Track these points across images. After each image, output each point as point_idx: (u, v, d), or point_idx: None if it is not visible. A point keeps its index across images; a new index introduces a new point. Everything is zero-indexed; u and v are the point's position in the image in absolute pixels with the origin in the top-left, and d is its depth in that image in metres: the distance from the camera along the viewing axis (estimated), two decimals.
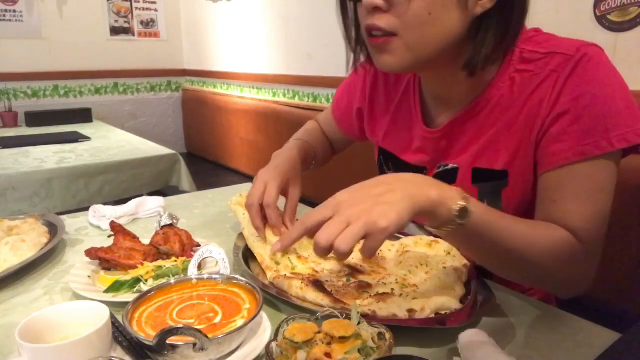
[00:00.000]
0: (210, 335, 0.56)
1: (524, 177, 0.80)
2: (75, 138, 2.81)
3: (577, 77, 0.72)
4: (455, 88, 0.84)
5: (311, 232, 0.63)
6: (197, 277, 0.72)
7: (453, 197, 0.64)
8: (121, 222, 1.08)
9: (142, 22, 4.75)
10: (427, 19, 0.71)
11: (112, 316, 0.61)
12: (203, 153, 4.95)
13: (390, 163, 0.99)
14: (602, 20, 1.78)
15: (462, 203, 0.63)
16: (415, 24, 0.71)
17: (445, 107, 0.88)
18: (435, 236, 0.89)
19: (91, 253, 0.85)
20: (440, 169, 0.89)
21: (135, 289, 0.77)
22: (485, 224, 0.66)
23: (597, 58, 0.72)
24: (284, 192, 0.95)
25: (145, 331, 0.60)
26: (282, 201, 0.94)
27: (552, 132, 0.74)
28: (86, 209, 1.17)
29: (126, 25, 4.65)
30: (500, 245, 0.68)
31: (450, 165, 0.88)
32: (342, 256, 0.59)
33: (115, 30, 4.60)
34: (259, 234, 0.88)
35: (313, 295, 0.71)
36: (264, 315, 0.67)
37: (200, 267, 0.79)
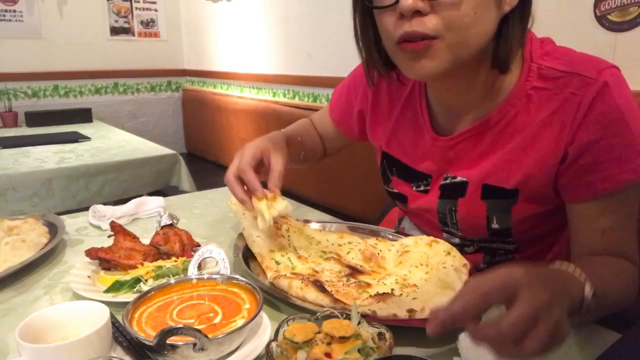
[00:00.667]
0: (210, 335, 0.56)
1: (536, 196, 0.79)
2: (75, 138, 2.81)
3: (601, 104, 0.70)
4: (470, 97, 0.81)
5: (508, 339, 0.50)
6: (197, 277, 0.72)
7: (578, 285, 0.59)
8: (121, 222, 1.08)
9: (142, 22, 4.75)
10: (472, 19, 0.68)
11: (112, 316, 0.61)
12: (203, 153, 4.95)
13: (394, 168, 0.97)
14: (602, 20, 1.78)
15: (589, 290, 0.59)
16: (460, 25, 0.68)
17: (455, 115, 0.85)
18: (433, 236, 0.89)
19: (91, 253, 0.85)
20: (448, 181, 0.87)
21: (135, 289, 0.77)
22: (598, 296, 0.62)
23: (618, 82, 0.71)
24: (266, 163, 0.90)
25: (145, 331, 0.60)
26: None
27: (583, 162, 0.73)
28: (86, 209, 1.17)
29: (126, 25, 4.65)
30: (604, 296, 0.65)
31: (459, 178, 0.86)
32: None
33: (115, 30, 4.60)
34: (245, 206, 0.85)
35: (313, 295, 0.71)
36: (264, 315, 0.67)
37: (200, 267, 0.79)
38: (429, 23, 0.68)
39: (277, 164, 0.89)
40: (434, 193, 0.90)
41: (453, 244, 0.92)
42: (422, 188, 0.93)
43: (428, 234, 0.98)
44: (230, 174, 0.87)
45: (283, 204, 0.83)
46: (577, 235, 0.78)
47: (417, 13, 0.68)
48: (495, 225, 0.84)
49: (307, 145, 1.10)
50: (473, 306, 0.50)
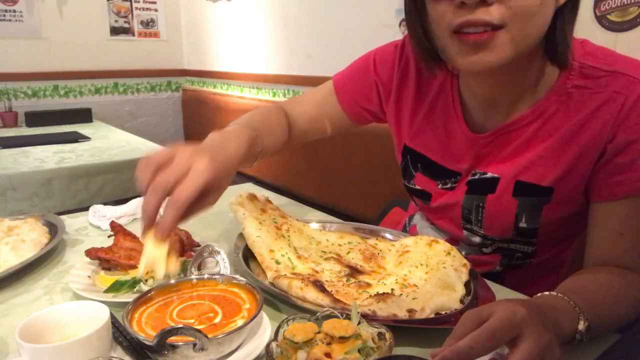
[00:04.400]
0: (210, 335, 0.56)
1: (571, 196, 0.78)
2: (75, 138, 2.80)
3: None
4: (512, 92, 0.80)
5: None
6: (197, 277, 0.72)
7: (572, 319, 0.60)
8: (121, 222, 1.07)
9: (142, 22, 4.74)
10: (538, 9, 0.67)
11: (112, 316, 0.61)
12: None
13: (420, 164, 0.94)
14: (602, 20, 1.78)
15: (583, 324, 0.60)
16: (527, 15, 0.67)
17: (492, 111, 0.84)
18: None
19: (91, 253, 0.85)
20: (477, 177, 0.86)
21: (135, 289, 0.77)
22: (593, 328, 0.62)
23: None
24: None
25: (145, 331, 0.60)
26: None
27: (620, 160, 0.72)
28: (86, 209, 1.17)
29: (126, 25, 4.65)
30: (601, 324, 0.65)
31: (490, 175, 0.84)
32: None
33: (115, 30, 4.59)
34: (143, 218, 0.67)
35: (313, 295, 0.71)
36: (264, 315, 0.67)
37: (200, 267, 0.79)
38: (495, 12, 0.66)
39: (203, 205, 0.75)
40: (461, 189, 0.89)
41: (472, 243, 0.92)
42: (448, 185, 0.91)
43: (444, 232, 0.98)
44: (172, 178, 0.66)
45: (177, 266, 0.72)
46: (594, 237, 0.77)
47: (482, 3, 0.66)
48: (523, 224, 0.83)
49: (267, 152, 0.96)
50: (481, 345, 0.48)
